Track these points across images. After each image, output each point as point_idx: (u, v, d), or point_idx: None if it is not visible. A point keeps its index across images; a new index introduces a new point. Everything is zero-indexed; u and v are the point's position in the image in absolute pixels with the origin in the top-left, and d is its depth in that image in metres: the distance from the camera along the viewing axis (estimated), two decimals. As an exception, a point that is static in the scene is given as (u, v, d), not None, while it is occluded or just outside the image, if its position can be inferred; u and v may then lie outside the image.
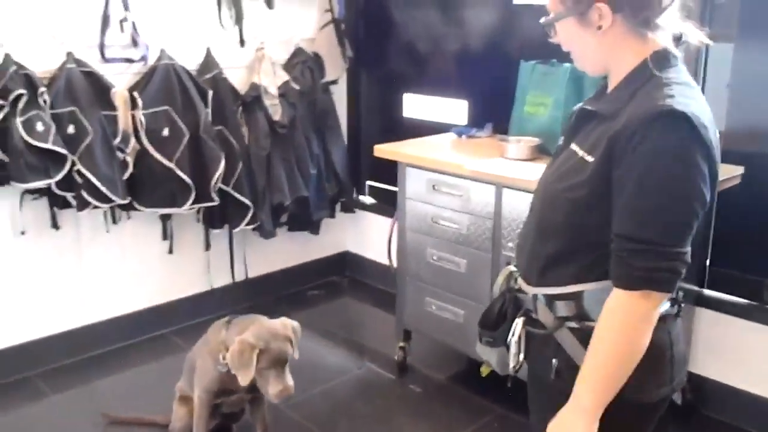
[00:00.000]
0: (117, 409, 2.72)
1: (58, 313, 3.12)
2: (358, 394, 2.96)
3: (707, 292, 2.73)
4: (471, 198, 2.68)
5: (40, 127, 2.69)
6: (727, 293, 2.70)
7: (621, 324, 1.22)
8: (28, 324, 3.03)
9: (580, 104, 1.40)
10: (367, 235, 4.01)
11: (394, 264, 3.16)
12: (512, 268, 1.49)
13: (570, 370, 1.31)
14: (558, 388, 1.35)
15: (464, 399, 2.89)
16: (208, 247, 3.45)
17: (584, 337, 1.30)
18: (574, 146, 1.33)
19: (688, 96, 1.22)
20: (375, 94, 3.93)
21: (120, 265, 3.26)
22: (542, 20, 1.36)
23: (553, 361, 1.35)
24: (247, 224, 3.36)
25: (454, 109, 3.43)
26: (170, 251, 3.35)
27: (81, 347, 3.18)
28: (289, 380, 2.20)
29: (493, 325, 1.47)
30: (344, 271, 4.16)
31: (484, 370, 1.58)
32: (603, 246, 1.25)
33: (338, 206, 3.90)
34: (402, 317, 3.08)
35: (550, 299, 1.35)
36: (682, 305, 1.37)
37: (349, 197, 3.89)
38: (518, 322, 1.41)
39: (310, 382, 2.99)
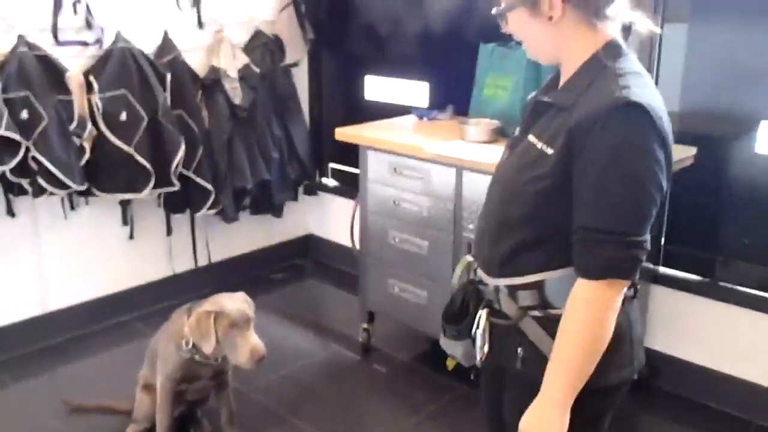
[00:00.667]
0: (79, 396, 2.70)
1: (17, 302, 3.07)
2: (323, 376, 2.99)
3: (662, 269, 2.81)
4: (432, 180, 2.70)
5: (-8, 112, 2.63)
6: (681, 270, 2.78)
7: (587, 314, 1.24)
8: (-14, 313, 2.99)
9: (534, 95, 1.42)
10: (330, 218, 4.01)
11: (357, 246, 3.18)
12: (470, 258, 1.50)
13: (535, 359, 1.34)
14: (524, 376, 1.37)
15: (429, 378, 2.93)
16: (169, 232, 3.42)
17: (548, 324, 1.33)
18: (531, 138, 1.34)
19: (641, 86, 1.24)
20: (337, 77, 3.92)
21: (79, 252, 3.22)
22: (494, 11, 1.37)
23: (519, 350, 1.37)
24: (209, 209, 3.34)
25: (416, 91, 3.44)
26: (131, 237, 3.32)
27: (41, 335, 3.14)
28: (257, 340, 2.15)
29: (457, 318, 1.47)
30: (307, 254, 4.16)
31: (450, 363, 1.57)
32: (563, 235, 1.27)
33: (301, 189, 3.90)
34: (365, 299, 3.10)
35: (513, 290, 1.36)
36: (638, 287, 1.40)
37: (312, 180, 3.89)
38: (482, 314, 1.42)
39: (274, 366, 3.00)
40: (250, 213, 3.71)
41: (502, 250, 1.36)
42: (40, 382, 2.92)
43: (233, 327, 2.13)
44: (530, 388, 1.33)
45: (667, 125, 1.25)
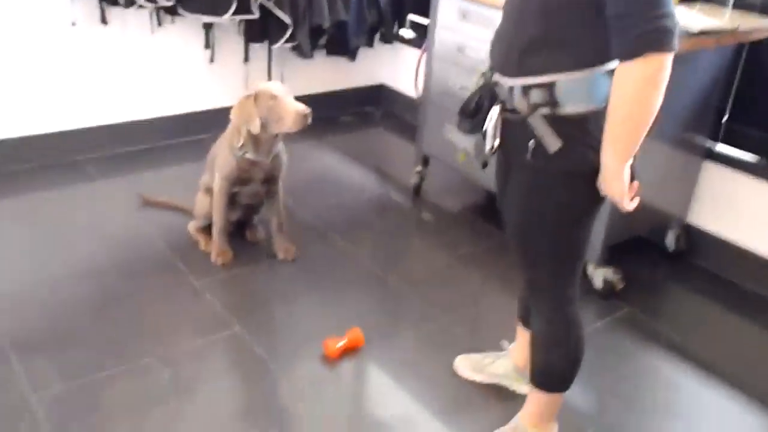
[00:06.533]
0: (153, 195, 3.00)
1: (105, 106, 3.36)
2: (372, 210, 3.17)
3: (720, 146, 2.78)
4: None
5: None
6: (741, 150, 2.74)
7: (631, 91, 1.35)
8: (78, 112, 3.29)
9: None
10: (403, 69, 4.07)
11: (420, 92, 3.25)
12: (485, 69, 1.62)
13: (542, 151, 1.50)
14: (534, 166, 1.53)
15: (472, 226, 3.08)
16: (246, 59, 3.58)
17: (554, 122, 1.47)
18: None
19: None
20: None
21: (163, 68, 3.44)
22: None
23: (530, 143, 1.51)
24: (286, 42, 3.47)
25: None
26: (211, 60, 3.51)
27: (126, 140, 3.45)
28: (298, 103, 2.32)
29: (472, 114, 1.61)
30: (379, 103, 4.28)
31: (461, 157, 1.72)
32: (572, 36, 1.41)
33: (377, 37, 3.95)
34: (421, 143, 3.22)
35: (526, 89, 1.49)
36: None
37: (389, 28, 3.93)
38: (495, 109, 1.56)
39: (328, 194, 3.22)
40: (326, 53, 3.82)
41: (519, 48, 1.48)
42: (121, 180, 3.22)
43: (273, 99, 2.31)
44: (538, 175, 1.53)
45: None
